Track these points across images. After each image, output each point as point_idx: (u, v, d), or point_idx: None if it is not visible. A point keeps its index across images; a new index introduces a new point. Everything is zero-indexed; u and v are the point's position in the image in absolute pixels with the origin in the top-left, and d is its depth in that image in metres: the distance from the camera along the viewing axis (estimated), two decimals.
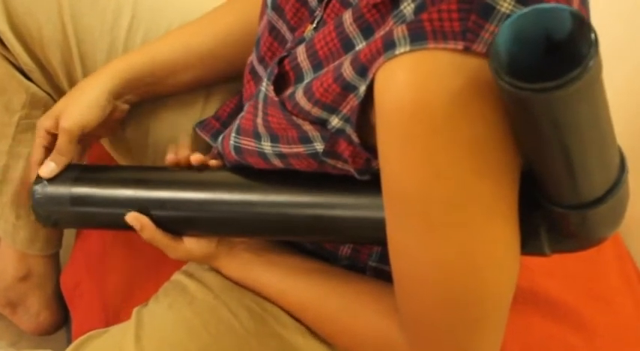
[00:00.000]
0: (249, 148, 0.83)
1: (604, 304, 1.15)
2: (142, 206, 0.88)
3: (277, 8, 0.87)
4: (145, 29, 1.05)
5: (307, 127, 0.74)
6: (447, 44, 0.60)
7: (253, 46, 0.93)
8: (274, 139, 0.79)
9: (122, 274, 1.12)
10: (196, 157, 0.90)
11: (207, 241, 0.89)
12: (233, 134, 0.87)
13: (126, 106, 1.01)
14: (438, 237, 0.67)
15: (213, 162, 0.91)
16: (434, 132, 0.62)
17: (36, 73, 1.06)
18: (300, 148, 0.77)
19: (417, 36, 0.61)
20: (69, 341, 1.08)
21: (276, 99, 0.76)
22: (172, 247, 0.89)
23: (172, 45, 1.01)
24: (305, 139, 0.76)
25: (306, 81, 0.75)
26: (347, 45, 0.71)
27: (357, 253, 0.89)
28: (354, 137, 0.71)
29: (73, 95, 0.96)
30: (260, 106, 0.80)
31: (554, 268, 1.13)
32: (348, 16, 0.71)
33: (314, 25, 0.80)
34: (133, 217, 0.87)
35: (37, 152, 0.94)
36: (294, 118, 0.75)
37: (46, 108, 1.04)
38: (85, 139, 0.97)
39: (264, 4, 0.90)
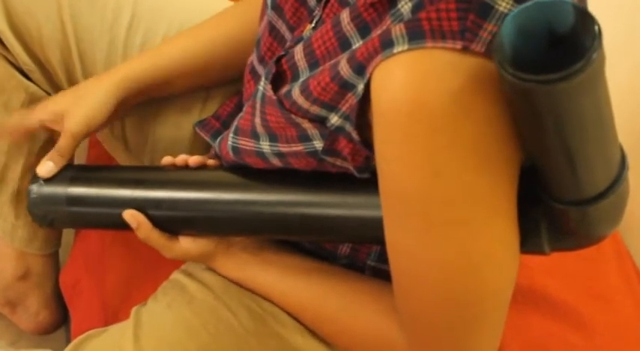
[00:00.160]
0: (248, 148, 0.83)
1: (603, 303, 1.15)
2: (139, 206, 0.87)
3: (277, 8, 0.87)
4: (144, 28, 1.05)
5: (306, 125, 0.74)
6: (446, 43, 0.60)
7: (253, 47, 0.93)
8: (273, 138, 0.79)
9: (121, 273, 1.12)
10: (194, 160, 0.90)
11: (203, 240, 0.89)
12: (231, 135, 0.86)
13: (127, 110, 1.01)
14: (437, 236, 0.67)
15: (210, 161, 0.91)
16: (432, 131, 0.62)
17: (35, 73, 1.06)
18: (299, 147, 0.77)
19: (415, 35, 0.61)
20: (68, 340, 1.08)
21: (274, 97, 0.76)
22: (168, 247, 0.89)
23: (174, 52, 1.01)
24: (304, 138, 0.76)
25: (302, 79, 0.75)
26: (344, 44, 0.71)
27: (356, 253, 0.89)
28: (355, 135, 0.71)
29: (78, 97, 0.95)
30: (258, 105, 0.80)
31: (554, 267, 1.14)
32: (345, 16, 0.71)
33: (313, 25, 0.80)
34: (129, 215, 0.87)
35: (17, 121, 0.94)
36: (293, 116, 0.75)
37: None
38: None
39: (264, 5, 0.90)
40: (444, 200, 0.65)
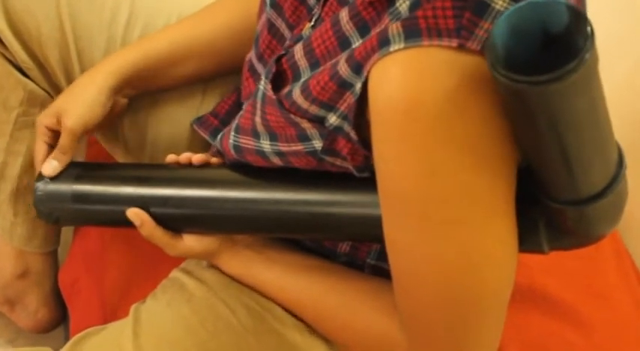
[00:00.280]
0: (249, 146, 0.83)
1: (602, 302, 1.15)
2: (143, 204, 0.88)
3: (276, 6, 0.87)
4: (142, 26, 1.05)
5: (305, 125, 0.74)
6: (442, 41, 0.60)
7: (252, 41, 0.93)
8: (273, 137, 0.79)
9: (120, 271, 1.12)
10: (198, 158, 0.90)
11: (208, 238, 0.89)
12: (232, 133, 0.87)
13: (125, 100, 1.01)
14: (434, 235, 0.67)
15: (214, 160, 0.91)
16: (429, 130, 0.62)
17: (34, 71, 1.06)
18: (298, 146, 0.77)
19: (412, 33, 0.61)
20: (67, 338, 1.08)
21: (274, 97, 0.76)
22: (171, 245, 0.89)
23: (171, 38, 1.01)
24: (303, 137, 0.76)
25: (303, 79, 0.75)
26: (343, 43, 0.71)
27: (356, 251, 0.89)
28: (353, 134, 0.71)
29: (73, 93, 0.96)
30: (258, 104, 0.80)
31: (553, 266, 1.14)
32: (344, 14, 0.71)
33: (312, 23, 0.80)
34: (133, 213, 0.87)
35: (41, 149, 0.95)
36: (292, 116, 0.75)
37: (43, 105, 1.04)
38: (83, 136, 0.97)
39: (263, 2, 0.90)
40: (441, 199, 0.65)
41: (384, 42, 0.63)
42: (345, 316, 0.84)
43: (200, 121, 1.04)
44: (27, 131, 1.08)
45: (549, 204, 0.69)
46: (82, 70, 1.05)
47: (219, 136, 0.93)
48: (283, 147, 0.79)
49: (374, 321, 0.80)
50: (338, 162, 0.76)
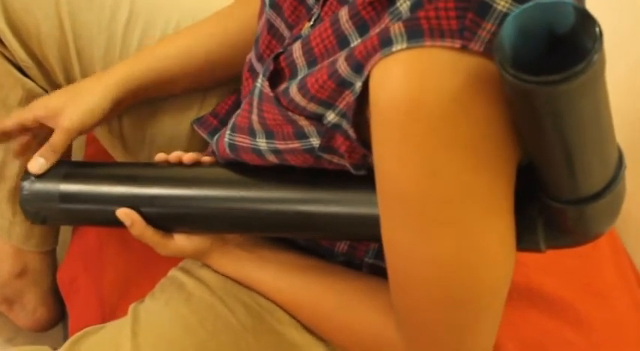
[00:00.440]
0: (244, 145, 0.83)
1: (600, 300, 1.15)
2: (132, 203, 0.87)
3: (275, 6, 0.87)
4: (142, 24, 1.05)
5: (303, 122, 0.74)
6: (444, 42, 0.60)
7: (252, 45, 0.93)
8: (269, 135, 0.79)
9: (119, 270, 1.12)
10: (188, 156, 0.90)
11: (199, 237, 0.89)
12: (228, 132, 0.86)
13: (123, 109, 1.01)
14: (433, 235, 0.67)
15: (205, 158, 0.91)
16: (430, 130, 0.62)
17: (33, 70, 1.06)
18: (295, 144, 0.77)
19: (414, 33, 0.61)
20: (65, 337, 1.08)
21: (271, 94, 0.76)
22: (162, 244, 0.89)
23: (173, 52, 1.00)
24: (301, 135, 0.76)
25: (300, 77, 0.75)
26: (342, 42, 0.71)
27: (354, 250, 0.89)
28: (351, 133, 0.71)
29: (74, 94, 0.95)
30: (255, 102, 0.80)
31: (550, 264, 1.14)
32: (344, 14, 0.71)
33: (311, 23, 0.80)
34: (123, 213, 0.87)
35: (10, 124, 0.94)
36: (290, 113, 0.75)
37: None
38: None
39: (263, 3, 0.90)
40: (441, 199, 0.65)
41: (386, 42, 0.63)
42: (342, 317, 0.84)
43: (200, 121, 1.04)
44: None
45: (549, 203, 0.69)
46: (82, 69, 1.05)
47: (215, 137, 0.93)
48: (280, 145, 0.79)
49: (371, 320, 0.80)
50: (335, 159, 0.76)
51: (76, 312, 1.13)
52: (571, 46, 0.55)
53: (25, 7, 1.01)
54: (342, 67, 0.68)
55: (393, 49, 0.62)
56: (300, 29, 0.82)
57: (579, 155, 0.63)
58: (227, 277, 0.91)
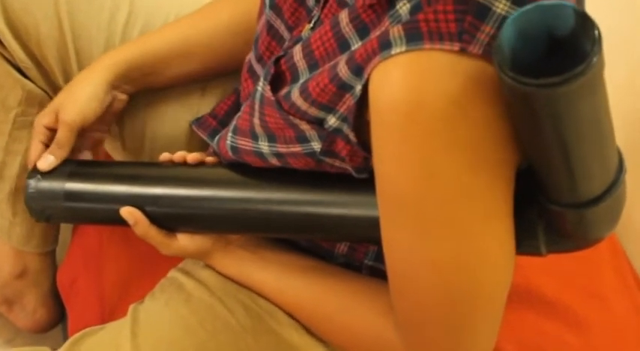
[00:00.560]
0: (247, 147, 0.83)
1: (599, 302, 1.15)
2: (136, 202, 0.87)
3: (275, 7, 0.87)
4: (142, 24, 1.05)
5: (304, 126, 0.74)
6: (443, 45, 0.60)
7: (252, 42, 0.93)
8: (271, 138, 0.79)
9: (118, 271, 1.12)
10: (192, 156, 0.90)
11: (202, 237, 0.89)
12: (230, 134, 0.87)
13: (124, 97, 1.01)
14: (432, 236, 0.67)
15: (209, 158, 0.91)
16: (429, 133, 0.62)
17: (32, 70, 1.06)
18: (297, 148, 0.77)
19: (413, 36, 0.61)
20: (65, 338, 1.07)
21: (272, 99, 0.76)
22: (165, 244, 0.89)
23: (170, 36, 1.01)
24: (302, 139, 0.76)
25: (301, 81, 0.75)
26: (343, 45, 0.71)
27: (354, 252, 0.89)
28: (352, 136, 0.71)
29: (71, 89, 0.96)
30: (256, 106, 0.80)
31: (550, 267, 1.13)
32: (344, 16, 0.71)
33: (311, 25, 0.80)
34: (127, 212, 0.87)
35: (37, 147, 0.94)
36: (291, 117, 0.75)
37: (41, 105, 1.04)
38: (85, 135, 0.97)
39: (263, 4, 0.90)
40: (439, 201, 0.65)
41: (385, 45, 0.63)
42: (341, 318, 0.84)
43: (199, 122, 1.04)
44: (25, 131, 1.08)
45: (549, 206, 0.69)
46: (81, 70, 1.04)
47: (216, 138, 0.93)
48: (282, 148, 0.79)
49: (370, 322, 0.80)
50: (337, 163, 0.76)
51: (75, 313, 1.13)
52: (570, 48, 0.55)
53: (24, 7, 1.01)
54: (343, 70, 0.68)
55: (393, 52, 0.62)
56: (300, 31, 0.82)
57: (579, 158, 0.63)
58: (228, 277, 0.91)
